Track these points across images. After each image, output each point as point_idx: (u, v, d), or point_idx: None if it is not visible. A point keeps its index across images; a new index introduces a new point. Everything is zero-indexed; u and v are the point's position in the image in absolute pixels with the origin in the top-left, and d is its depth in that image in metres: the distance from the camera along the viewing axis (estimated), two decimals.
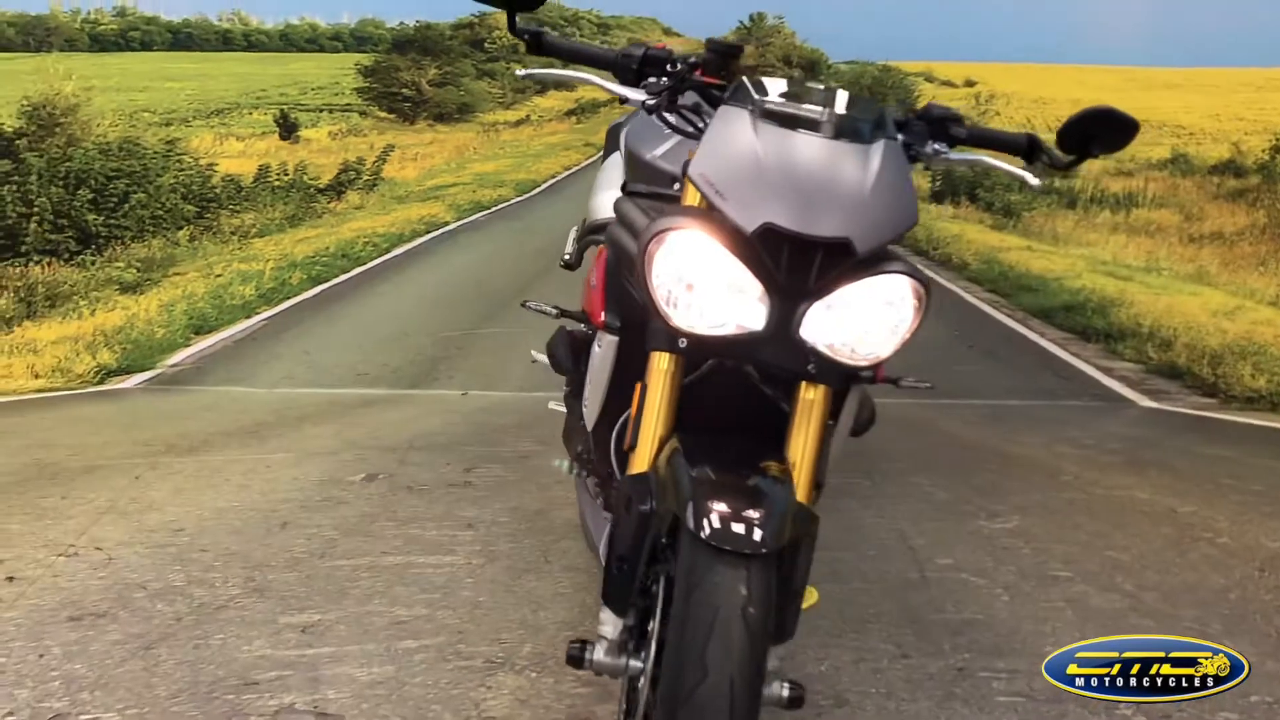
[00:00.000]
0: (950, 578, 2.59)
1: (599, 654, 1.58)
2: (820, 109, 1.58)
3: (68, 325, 5.06)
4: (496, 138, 29.14)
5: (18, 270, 4.21)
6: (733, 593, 1.33)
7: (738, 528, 1.39)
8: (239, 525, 2.77)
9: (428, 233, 13.72)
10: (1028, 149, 1.84)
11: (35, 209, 4.51)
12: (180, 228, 11.79)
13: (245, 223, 13.65)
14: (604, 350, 1.82)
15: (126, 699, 2.06)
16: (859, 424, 1.98)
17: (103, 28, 67.01)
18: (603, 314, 1.86)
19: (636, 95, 1.72)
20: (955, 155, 1.73)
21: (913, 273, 1.49)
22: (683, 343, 1.59)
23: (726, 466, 1.53)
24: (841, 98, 1.64)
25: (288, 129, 27.81)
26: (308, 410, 4.73)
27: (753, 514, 1.42)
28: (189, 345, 7.16)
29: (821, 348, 1.49)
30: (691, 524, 1.40)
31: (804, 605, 2.25)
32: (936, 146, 1.69)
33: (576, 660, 1.59)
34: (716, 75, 1.76)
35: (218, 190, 14.21)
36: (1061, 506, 3.03)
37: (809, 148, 1.51)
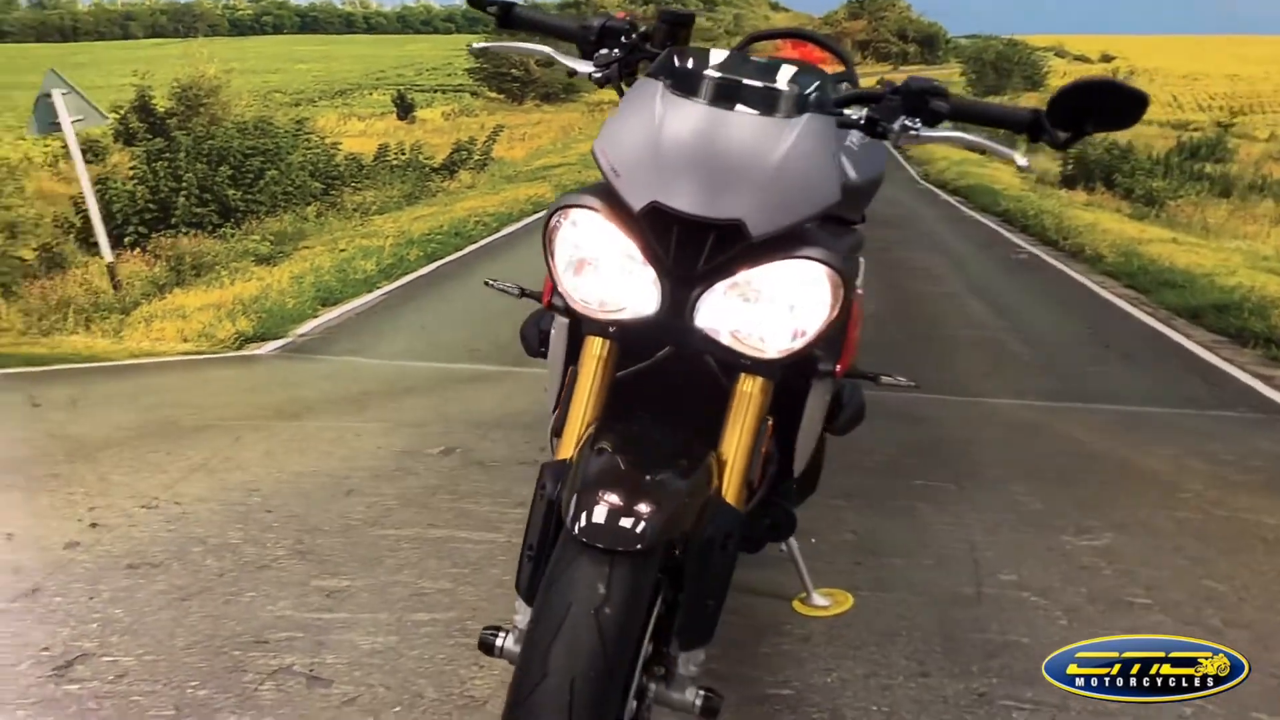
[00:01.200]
0: (1007, 595, 2.42)
1: (509, 642, 1.57)
2: (738, 80, 1.49)
3: (211, 293, 5.46)
4: (600, 117, 28.92)
5: (169, 241, 4.63)
6: (589, 590, 1.30)
7: (617, 522, 1.35)
8: (309, 489, 2.93)
9: (534, 213, 13.88)
10: (1031, 125, 1.67)
11: (184, 184, 4.89)
12: (308, 203, 12.42)
13: (366, 200, 14.19)
14: (556, 333, 1.80)
15: (147, 645, 2.22)
16: (841, 422, 1.87)
17: (240, 13, 74.18)
18: (551, 295, 1.84)
19: (585, 68, 1.68)
20: (931, 132, 1.59)
21: (826, 259, 1.39)
22: (613, 328, 1.54)
23: (637, 458, 1.47)
24: (784, 71, 1.55)
25: (404, 109, 28.62)
26: (416, 383, 4.92)
27: (640, 509, 1.37)
28: (316, 316, 7.54)
29: (721, 336, 1.40)
30: (569, 515, 1.36)
31: (832, 611, 2.19)
32: (907, 122, 1.56)
33: (488, 647, 1.58)
34: (667, 46, 1.69)
35: (341, 168, 14.80)
36: (1168, 526, 2.76)
37: (713, 122, 1.44)
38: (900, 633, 2.28)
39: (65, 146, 3.96)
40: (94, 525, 2.73)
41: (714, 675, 2.11)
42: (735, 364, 1.57)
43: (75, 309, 4.03)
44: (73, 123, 4.02)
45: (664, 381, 1.62)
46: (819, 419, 1.76)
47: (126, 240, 4.41)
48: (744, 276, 1.38)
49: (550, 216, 1.45)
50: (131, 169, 4.08)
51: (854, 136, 1.84)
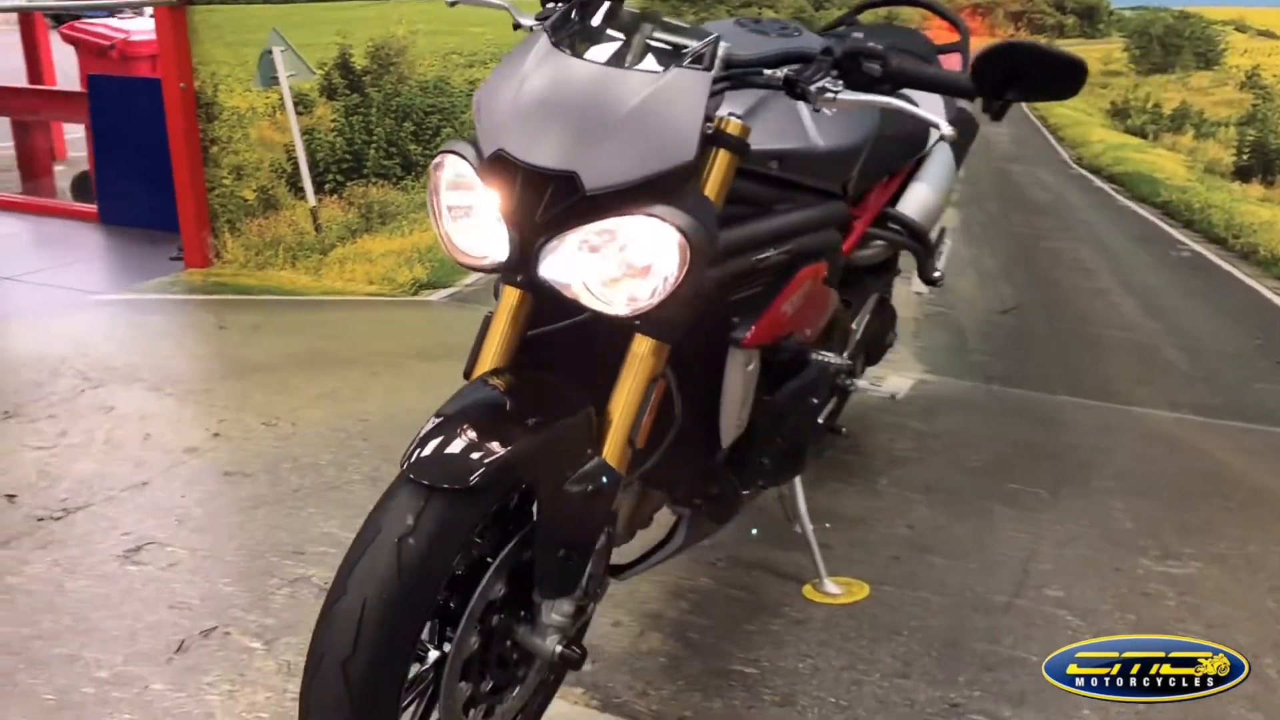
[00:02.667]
0: (1041, 611, 2.30)
1: None
2: (609, 34, 1.52)
3: (393, 241, 5.79)
4: None
5: (361, 189, 4.96)
6: (397, 520, 1.40)
7: (444, 460, 1.44)
8: (408, 424, 3.15)
9: None
10: (974, 92, 1.59)
11: (374, 137, 5.20)
12: None
13: None
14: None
15: (205, 543, 2.53)
16: (780, 397, 1.85)
17: None
18: None
19: (526, 20, 1.72)
20: (851, 95, 1.54)
21: (670, 217, 1.39)
22: (520, 278, 1.61)
23: (500, 403, 1.55)
24: (671, 29, 1.57)
25: None
26: None
27: (470, 449, 1.45)
28: None
29: (571, 290, 1.45)
30: (407, 450, 1.46)
31: (842, 600, 2.20)
32: (827, 84, 1.52)
33: None
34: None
35: None
36: (1274, 564, 2.48)
37: (573, 74, 1.49)
38: (902, 632, 2.22)
39: (282, 99, 4.42)
40: (215, 435, 3.09)
41: (688, 643, 2.17)
42: (629, 324, 1.60)
43: (284, 247, 4.52)
44: (288, 77, 4.46)
45: (584, 342, 1.67)
46: (738, 390, 1.76)
47: (327, 187, 4.85)
48: (585, 230, 1.42)
49: (433, 163, 1.54)
50: (333, 121, 4.49)
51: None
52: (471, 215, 1.51)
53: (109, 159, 5.62)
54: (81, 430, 3.13)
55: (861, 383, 2.59)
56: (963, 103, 2.75)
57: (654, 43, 1.58)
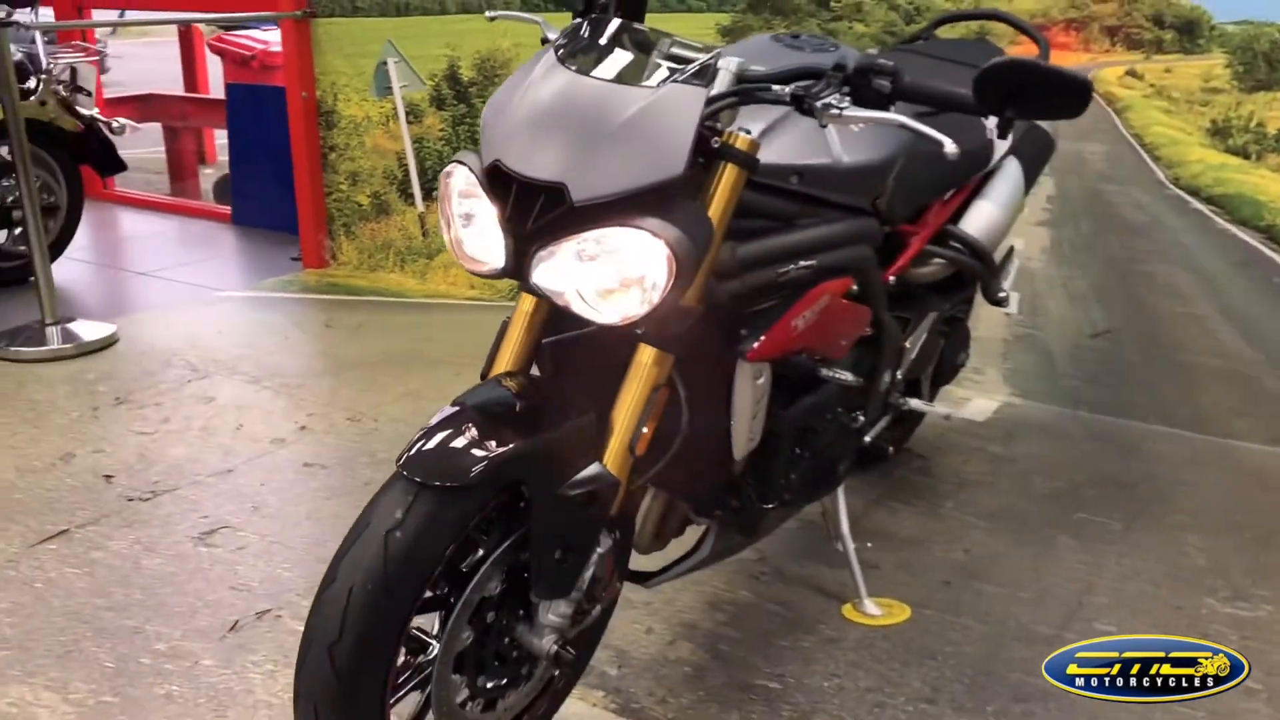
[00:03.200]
0: None
1: None
2: (626, 52, 1.56)
3: None
4: None
5: None
6: (387, 513, 1.47)
7: (435, 457, 1.50)
8: None
9: None
10: (980, 108, 1.59)
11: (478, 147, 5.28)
12: None
13: None
14: None
15: (274, 530, 2.67)
16: (794, 413, 1.85)
17: None
18: None
19: (552, 34, 1.77)
20: (858, 112, 1.55)
21: (657, 229, 1.43)
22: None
23: (502, 405, 1.60)
24: (670, 44, 1.60)
25: None
26: None
27: (467, 451, 1.50)
28: None
29: (557, 297, 1.49)
30: (406, 446, 1.53)
31: (881, 621, 2.20)
32: (833, 101, 1.54)
33: None
34: (630, 13, 1.74)
35: None
36: None
37: (571, 88, 1.54)
38: (936, 657, 2.19)
39: (395, 108, 4.59)
40: (302, 428, 3.24)
41: (717, 654, 2.19)
42: (632, 335, 1.64)
43: (394, 250, 4.70)
44: (400, 88, 4.64)
45: (599, 349, 1.71)
46: (747, 402, 1.78)
47: (434, 194, 4.99)
48: (573, 240, 1.45)
49: (444, 170, 1.60)
50: (441, 131, 4.61)
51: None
52: (474, 223, 1.57)
53: (242, 163, 5.93)
54: (182, 418, 3.33)
55: (917, 402, 2.54)
56: (1051, 130, 2.69)
57: (663, 60, 1.61)
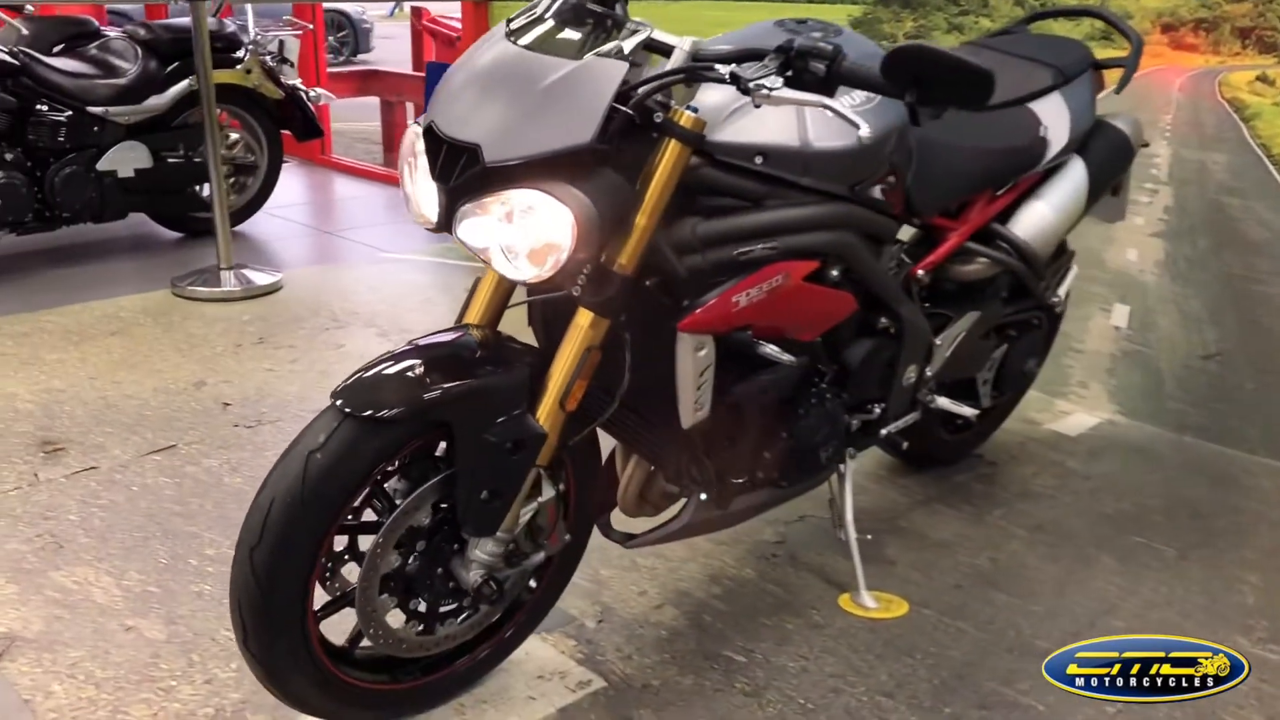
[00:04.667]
0: None
1: None
2: (568, 29, 1.64)
3: None
4: None
5: None
6: (314, 436, 1.63)
7: (362, 389, 1.65)
8: None
9: None
10: (890, 91, 1.60)
11: None
12: None
13: None
14: None
15: None
16: (739, 390, 1.88)
17: None
18: None
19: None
20: (787, 93, 1.59)
21: (560, 194, 1.51)
22: None
23: (443, 351, 1.72)
24: (606, 21, 1.67)
25: None
26: None
27: (394, 388, 1.64)
28: None
29: (481, 253, 1.60)
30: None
31: (873, 614, 2.24)
32: (765, 82, 1.58)
33: None
34: None
35: None
36: None
37: (504, 57, 1.64)
38: (916, 655, 2.16)
39: None
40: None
41: (698, 624, 2.25)
42: (575, 297, 1.73)
43: None
44: None
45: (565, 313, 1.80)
46: (686, 373, 1.83)
47: None
48: (483, 200, 1.55)
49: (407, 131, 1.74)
50: None
51: (850, 101, 1.80)
52: (418, 181, 1.69)
53: None
54: (307, 360, 3.64)
55: (945, 401, 2.48)
56: (1124, 126, 2.57)
57: (621, 39, 1.68)
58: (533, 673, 2.08)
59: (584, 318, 1.74)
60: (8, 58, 4.40)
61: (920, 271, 2.31)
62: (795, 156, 1.82)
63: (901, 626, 2.26)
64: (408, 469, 1.75)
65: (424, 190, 1.68)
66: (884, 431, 2.36)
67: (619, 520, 2.19)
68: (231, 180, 5.17)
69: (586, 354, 1.74)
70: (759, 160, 1.81)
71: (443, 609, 1.85)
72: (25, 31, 4.96)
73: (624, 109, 1.63)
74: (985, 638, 2.23)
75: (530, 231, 1.56)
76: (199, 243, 5.02)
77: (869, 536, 2.39)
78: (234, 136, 5.18)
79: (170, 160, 4.83)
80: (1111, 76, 2.57)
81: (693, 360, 1.83)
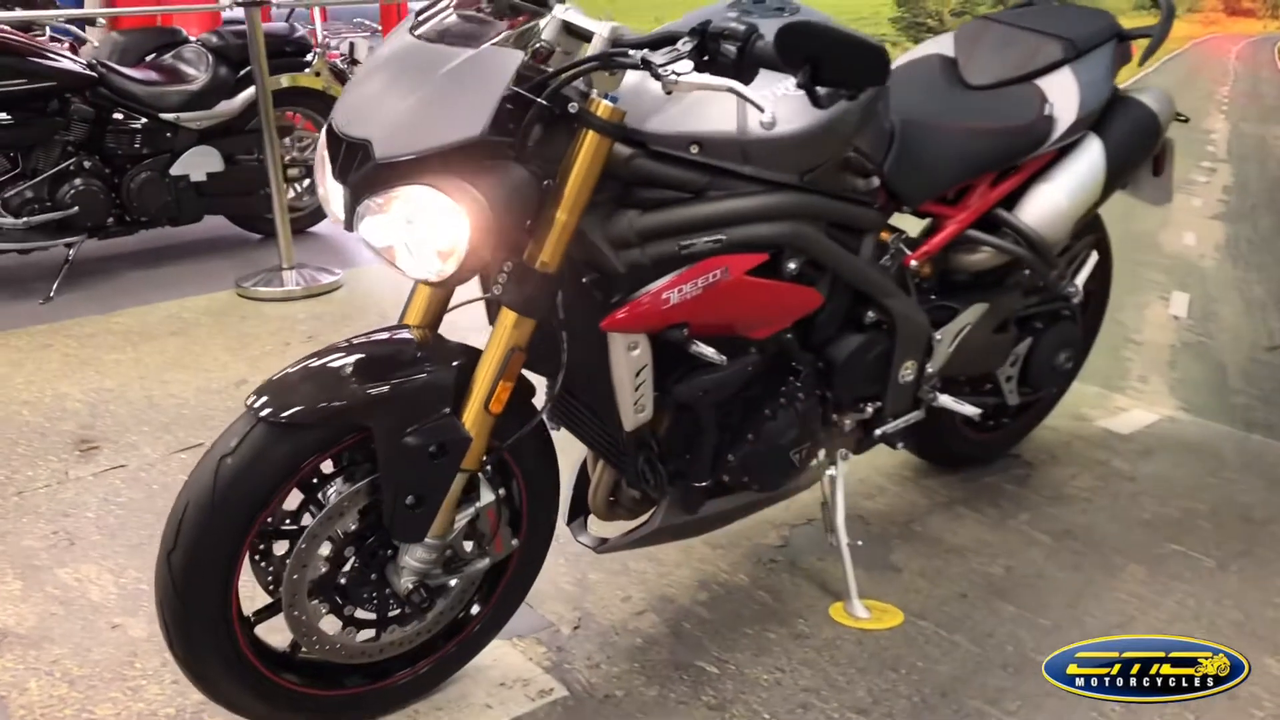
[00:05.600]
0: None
1: None
2: (445, 16, 1.59)
3: None
4: None
5: None
6: (227, 439, 1.62)
7: (279, 394, 1.62)
8: None
9: None
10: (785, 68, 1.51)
11: None
12: None
13: None
14: None
15: None
16: (680, 390, 1.79)
17: None
18: None
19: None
20: (691, 78, 1.50)
21: (448, 188, 1.46)
22: None
23: (367, 354, 1.69)
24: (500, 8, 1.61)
25: None
26: None
27: (309, 392, 1.62)
28: None
29: (385, 253, 1.55)
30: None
31: (862, 624, 2.15)
32: (674, 67, 1.49)
33: None
34: None
35: None
36: None
37: (403, 51, 1.59)
38: (901, 669, 2.04)
39: None
40: None
41: (676, 632, 2.18)
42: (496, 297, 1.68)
43: None
44: None
45: None
46: (620, 373, 1.77)
47: None
48: (384, 197, 1.50)
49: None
50: None
51: (779, 88, 1.69)
52: (326, 180, 1.65)
53: None
54: None
55: (948, 399, 2.33)
56: (1149, 101, 2.38)
57: (455, 18, 1.63)
58: (495, 679, 2.03)
59: (507, 317, 1.68)
60: (86, 70, 4.57)
61: (914, 262, 2.17)
62: (733, 144, 1.72)
63: (892, 638, 2.13)
64: (341, 472, 1.72)
65: (334, 189, 1.64)
66: (879, 432, 2.23)
67: (598, 524, 2.13)
68: (307, 181, 5.29)
69: (510, 355, 1.68)
70: (694, 150, 1.71)
71: (383, 615, 1.82)
72: (119, 40, 5.16)
73: (538, 99, 1.57)
74: (980, 652, 2.08)
75: (424, 230, 1.51)
76: (274, 244, 5.14)
77: (860, 543, 2.26)
78: (306, 138, 5.29)
79: (243, 163, 4.96)
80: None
81: (626, 360, 1.75)
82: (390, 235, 1.54)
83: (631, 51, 1.56)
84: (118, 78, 4.67)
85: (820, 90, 1.46)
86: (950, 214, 2.21)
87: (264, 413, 1.61)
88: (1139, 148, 2.36)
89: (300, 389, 1.64)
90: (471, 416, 1.68)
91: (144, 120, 4.69)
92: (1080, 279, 2.44)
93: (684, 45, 1.52)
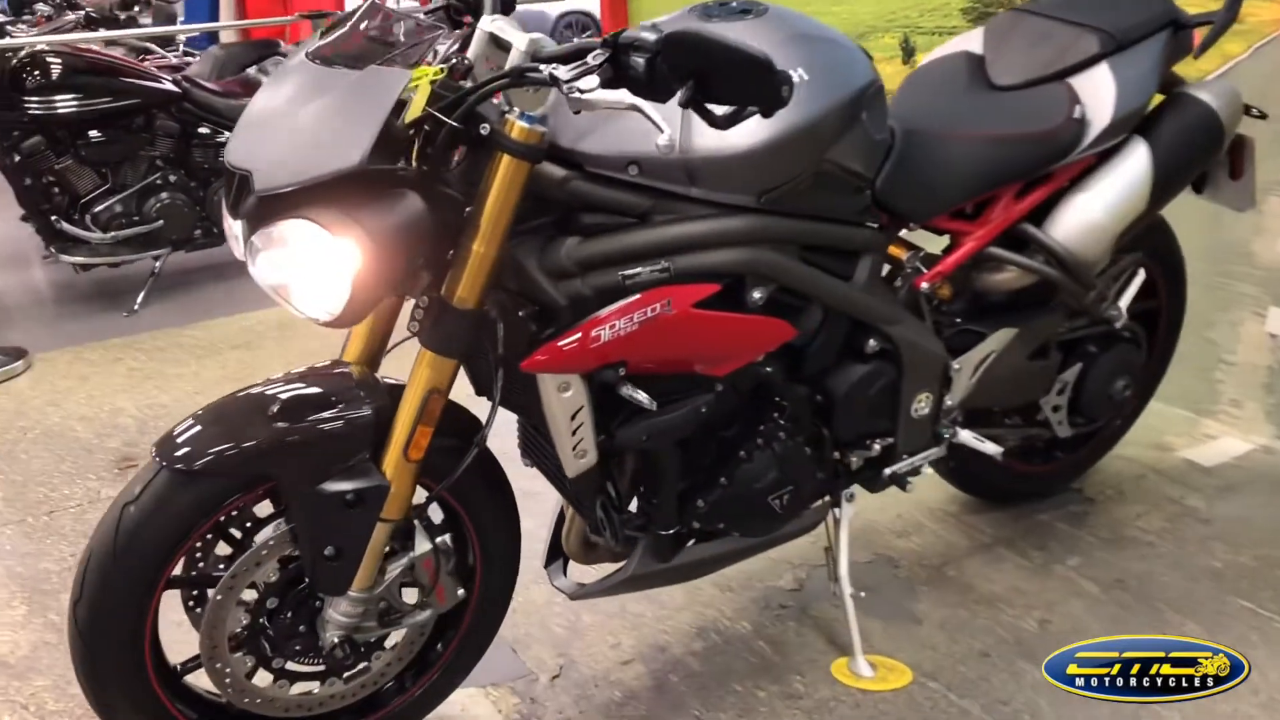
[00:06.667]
0: None
1: None
2: (333, 37, 1.47)
3: None
4: None
5: None
6: (132, 487, 1.54)
7: (180, 441, 1.55)
8: None
9: None
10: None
11: None
12: None
13: None
14: None
15: None
16: (623, 432, 1.64)
17: None
18: None
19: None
20: (593, 95, 1.35)
21: (326, 221, 1.35)
22: None
23: (288, 397, 1.60)
24: (403, 22, 1.48)
25: (908, 53, 23.21)
26: None
27: (215, 438, 1.54)
28: None
29: (279, 291, 1.45)
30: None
31: (863, 684, 1.99)
32: (581, 85, 1.35)
33: None
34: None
35: None
36: None
37: (295, 77, 1.47)
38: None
39: None
40: None
41: (661, 685, 2.07)
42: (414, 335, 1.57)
43: None
44: None
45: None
46: (554, 415, 1.63)
47: None
48: (262, 232, 1.39)
49: None
50: None
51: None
52: (226, 217, 1.54)
53: None
54: (404, 372, 3.60)
55: (967, 434, 2.08)
56: (1208, 97, 2.10)
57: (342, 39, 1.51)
58: None
59: (424, 357, 1.55)
60: (170, 86, 4.67)
61: (926, 284, 1.95)
62: (675, 165, 1.55)
63: (894, 702, 1.92)
64: (264, 520, 1.63)
65: (232, 225, 1.54)
66: (889, 471, 2.02)
67: (580, 567, 1.99)
68: None
69: (428, 398, 1.55)
70: (634, 171, 1.55)
71: (322, 668, 1.72)
72: (218, 54, 5.26)
73: (448, 120, 1.43)
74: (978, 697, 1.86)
75: (307, 267, 1.39)
76: None
77: (863, 594, 2.04)
78: None
79: None
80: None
81: (558, 403, 1.60)
82: (281, 273, 1.44)
83: (543, 67, 1.41)
84: (201, 92, 4.74)
85: (721, 110, 1.29)
86: (969, 230, 1.98)
87: (166, 460, 1.52)
88: (1197, 150, 2.07)
89: (206, 434, 1.55)
90: (391, 463, 1.56)
91: (226, 134, 4.75)
92: (1124, 301, 2.16)
93: (594, 59, 1.36)
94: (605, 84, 1.36)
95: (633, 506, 1.83)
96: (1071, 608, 2.16)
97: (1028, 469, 2.48)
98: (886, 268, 2.03)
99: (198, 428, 1.56)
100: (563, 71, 1.37)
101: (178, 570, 1.58)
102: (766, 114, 1.34)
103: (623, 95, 1.34)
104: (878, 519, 2.51)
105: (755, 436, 1.80)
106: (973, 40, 2.19)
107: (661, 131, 1.33)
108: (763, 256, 1.64)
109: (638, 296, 1.55)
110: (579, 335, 1.54)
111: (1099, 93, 1.97)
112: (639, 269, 1.58)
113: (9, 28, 4.47)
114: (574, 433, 1.63)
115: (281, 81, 1.49)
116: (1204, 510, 2.50)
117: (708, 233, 1.59)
